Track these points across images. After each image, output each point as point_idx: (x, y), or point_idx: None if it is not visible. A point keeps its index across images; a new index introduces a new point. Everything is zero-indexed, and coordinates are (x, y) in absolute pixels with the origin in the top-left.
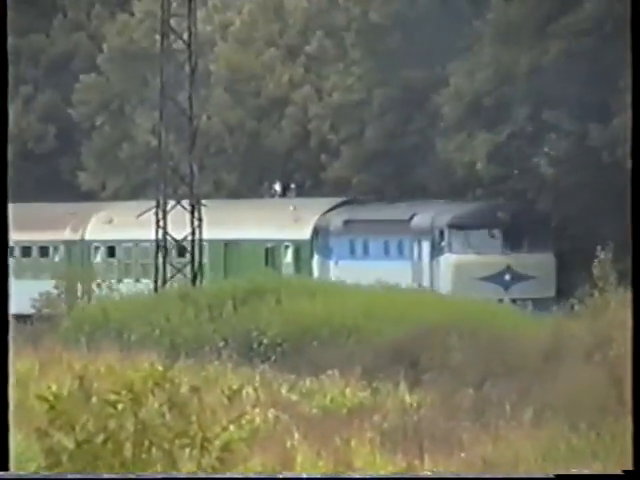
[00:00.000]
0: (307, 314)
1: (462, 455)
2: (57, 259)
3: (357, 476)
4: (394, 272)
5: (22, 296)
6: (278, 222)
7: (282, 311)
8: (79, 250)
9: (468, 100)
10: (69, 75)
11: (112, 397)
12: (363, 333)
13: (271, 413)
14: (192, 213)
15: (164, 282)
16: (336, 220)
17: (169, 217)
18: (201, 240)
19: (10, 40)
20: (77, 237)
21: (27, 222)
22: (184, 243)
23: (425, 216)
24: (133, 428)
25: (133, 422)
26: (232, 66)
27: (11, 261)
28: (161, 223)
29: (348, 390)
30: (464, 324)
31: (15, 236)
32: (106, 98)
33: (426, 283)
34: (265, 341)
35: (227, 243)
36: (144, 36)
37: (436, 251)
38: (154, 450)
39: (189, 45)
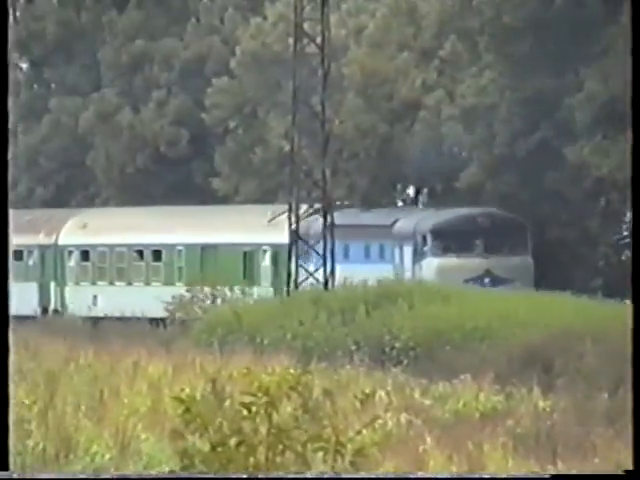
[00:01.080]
0: (440, 318)
1: (595, 461)
2: (31, 263)
3: (362, 476)
4: (375, 275)
5: None
6: (256, 227)
7: (414, 315)
8: (52, 254)
9: (602, 104)
10: (202, 79)
11: (246, 400)
12: (496, 337)
13: (403, 417)
14: (324, 217)
15: (296, 286)
16: (316, 225)
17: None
18: (333, 244)
19: (143, 44)
20: (51, 242)
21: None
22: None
23: (408, 222)
24: (267, 431)
25: (267, 425)
26: (365, 70)
27: None
28: (294, 227)
29: (481, 395)
30: (598, 328)
31: None
32: (239, 102)
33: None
34: (397, 345)
35: (204, 247)
36: (277, 40)
37: (418, 255)
38: (287, 454)
39: (322, 49)
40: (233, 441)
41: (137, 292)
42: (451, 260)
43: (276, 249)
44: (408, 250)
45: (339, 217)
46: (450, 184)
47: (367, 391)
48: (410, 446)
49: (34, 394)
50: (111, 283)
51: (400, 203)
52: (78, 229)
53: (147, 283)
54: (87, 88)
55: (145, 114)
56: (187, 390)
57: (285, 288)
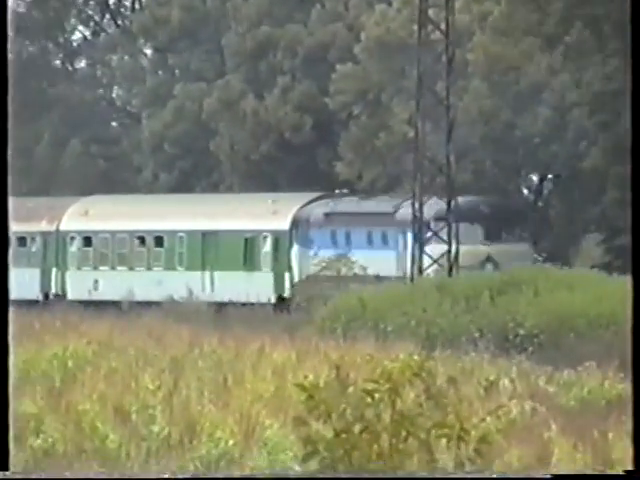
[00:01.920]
0: (564, 305)
1: None
2: (34, 249)
3: (356, 476)
4: (377, 261)
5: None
6: (256, 214)
7: (539, 302)
8: (54, 240)
9: None
10: (326, 65)
11: (369, 386)
12: (621, 324)
13: (528, 405)
14: (448, 204)
15: (420, 272)
16: (317, 212)
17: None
18: (457, 230)
19: (268, 30)
20: (53, 228)
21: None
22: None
23: (410, 209)
24: (390, 418)
25: (390, 412)
26: (490, 56)
27: None
28: (417, 213)
29: (606, 382)
30: None
31: None
32: (363, 88)
33: (410, 271)
34: (522, 332)
35: (205, 233)
36: (401, 26)
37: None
38: (411, 440)
39: (447, 35)
40: (357, 428)
41: (138, 277)
42: (453, 246)
43: (276, 235)
44: (411, 237)
45: (340, 205)
46: (575, 170)
47: (491, 378)
48: (534, 434)
49: (158, 380)
50: (113, 268)
51: (525, 190)
52: (80, 216)
53: (148, 268)
54: (211, 74)
55: (269, 100)
56: (311, 377)
57: (409, 274)
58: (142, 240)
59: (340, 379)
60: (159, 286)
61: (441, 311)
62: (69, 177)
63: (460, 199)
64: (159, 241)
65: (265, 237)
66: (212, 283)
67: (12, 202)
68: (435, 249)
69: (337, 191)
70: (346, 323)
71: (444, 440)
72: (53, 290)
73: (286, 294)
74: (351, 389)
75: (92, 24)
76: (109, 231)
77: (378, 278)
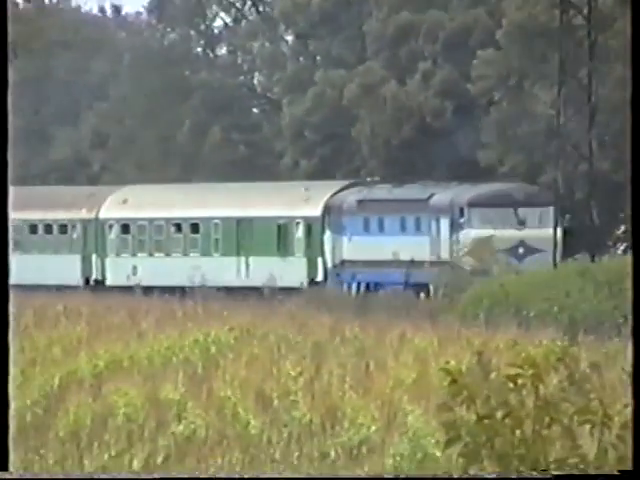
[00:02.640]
0: None
1: None
2: (75, 236)
3: (357, 476)
4: (411, 247)
5: (50, 269)
6: (289, 201)
7: None
8: (94, 227)
9: None
10: (467, 50)
11: (512, 372)
12: None
13: None
14: (589, 193)
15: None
16: (349, 199)
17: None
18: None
19: (409, 16)
20: (92, 216)
21: (50, 203)
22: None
23: (444, 195)
24: (533, 404)
25: (533, 398)
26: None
27: (35, 237)
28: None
29: None
30: None
31: (39, 215)
32: (504, 73)
33: (445, 256)
34: None
35: (239, 220)
36: (543, 11)
37: (455, 227)
38: (554, 427)
39: (589, 20)
40: (499, 413)
41: (175, 263)
42: (488, 231)
43: (309, 222)
44: (445, 222)
45: (372, 193)
46: None
47: None
48: None
49: (300, 366)
50: (150, 254)
51: None
52: (118, 204)
53: (185, 254)
54: (352, 60)
55: (410, 86)
56: (452, 362)
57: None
58: (178, 227)
59: (482, 365)
60: (196, 271)
61: (584, 296)
62: (210, 163)
63: (493, 185)
64: (195, 228)
65: (298, 223)
66: (247, 268)
67: (54, 190)
68: (469, 234)
69: (369, 179)
70: (488, 309)
71: (587, 426)
72: (94, 276)
73: (319, 278)
74: (494, 375)
75: (233, 11)
76: (146, 219)
77: (414, 263)
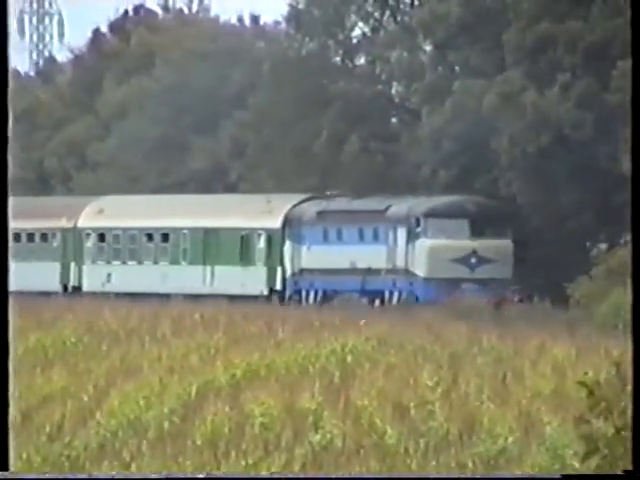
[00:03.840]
0: None
1: None
2: (55, 244)
3: (357, 476)
4: (368, 255)
5: (28, 276)
6: (253, 213)
7: None
8: (72, 236)
9: None
10: (607, 61)
11: None
12: None
13: None
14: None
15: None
16: (309, 211)
17: None
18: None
19: (548, 26)
20: (71, 225)
21: (32, 212)
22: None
23: (401, 207)
24: None
25: None
26: None
27: (18, 245)
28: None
29: None
30: None
31: (21, 224)
32: None
33: (400, 264)
34: None
35: (206, 230)
36: None
37: (412, 237)
38: None
39: None
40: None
41: (146, 270)
42: (442, 241)
43: (270, 233)
44: (402, 232)
45: (332, 204)
46: None
47: None
48: None
49: (437, 376)
50: (124, 262)
51: None
52: (95, 214)
53: (155, 262)
54: (491, 70)
55: (549, 96)
56: (590, 374)
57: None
58: (150, 237)
59: (620, 376)
60: (164, 279)
61: None
62: (347, 173)
63: (447, 198)
64: (165, 237)
65: (259, 234)
66: (212, 277)
67: (36, 201)
68: (424, 243)
69: (328, 193)
70: (628, 319)
71: None
72: (72, 282)
73: (277, 287)
74: (630, 386)
75: (372, 21)
76: (121, 228)
77: (370, 271)
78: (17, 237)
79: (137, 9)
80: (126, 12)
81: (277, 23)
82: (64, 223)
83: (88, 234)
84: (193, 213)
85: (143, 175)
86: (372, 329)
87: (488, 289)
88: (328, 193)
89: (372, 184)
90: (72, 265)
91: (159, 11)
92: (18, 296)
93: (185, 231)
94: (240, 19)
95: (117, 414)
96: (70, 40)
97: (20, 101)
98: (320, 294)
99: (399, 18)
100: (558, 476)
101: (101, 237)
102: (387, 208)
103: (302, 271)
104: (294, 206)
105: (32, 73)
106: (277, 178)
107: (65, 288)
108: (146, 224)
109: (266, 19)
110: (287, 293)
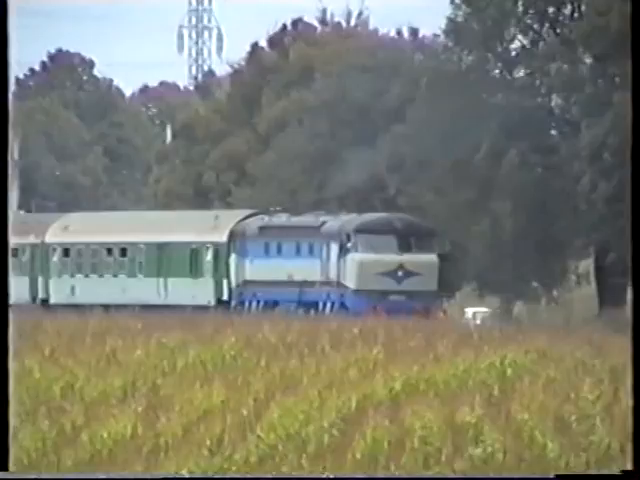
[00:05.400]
0: None
1: None
2: (24, 259)
3: (357, 476)
4: (304, 268)
5: None
6: (202, 228)
7: None
8: (40, 251)
9: None
10: None
11: None
12: None
13: None
14: None
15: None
16: (252, 226)
17: None
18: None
19: None
20: (39, 240)
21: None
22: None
23: (334, 223)
24: None
25: None
26: None
27: None
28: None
29: None
30: None
31: None
32: None
33: (333, 277)
34: None
35: (160, 245)
36: None
37: (343, 251)
38: None
39: None
40: None
41: (106, 283)
42: (370, 256)
43: (217, 247)
44: (334, 247)
45: (272, 220)
46: None
47: None
48: None
49: (598, 389)
50: (86, 276)
51: None
52: (61, 230)
53: (115, 275)
54: None
55: None
56: None
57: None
58: (109, 251)
59: None
60: (123, 292)
61: None
62: (506, 186)
63: (376, 215)
64: (123, 252)
65: (207, 248)
66: (166, 289)
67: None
68: (354, 257)
69: (271, 209)
70: None
71: None
72: (40, 295)
73: (224, 297)
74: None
75: (531, 33)
76: (84, 243)
77: (306, 283)
78: None
79: (295, 23)
80: (284, 26)
81: (436, 36)
82: (32, 239)
83: (54, 249)
84: (149, 228)
85: (301, 189)
86: (531, 342)
87: (414, 300)
88: (271, 209)
89: (531, 197)
90: (40, 279)
91: (317, 25)
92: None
93: (141, 245)
94: (399, 32)
95: (277, 428)
96: (228, 54)
97: (179, 115)
98: (261, 304)
99: (559, 30)
100: (552, 476)
101: (65, 252)
102: (322, 224)
103: (245, 282)
104: (239, 221)
105: (191, 87)
106: (436, 191)
107: (34, 300)
108: (106, 239)
109: (425, 32)
110: (232, 303)
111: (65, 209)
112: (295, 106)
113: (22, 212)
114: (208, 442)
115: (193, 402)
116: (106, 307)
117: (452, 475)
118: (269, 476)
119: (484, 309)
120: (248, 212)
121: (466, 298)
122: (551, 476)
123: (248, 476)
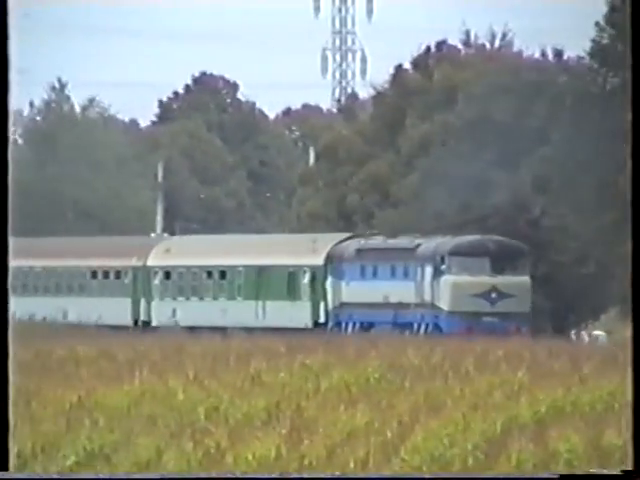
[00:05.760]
0: None
1: None
2: (126, 281)
3: (356, 476)
4: (399, 290)
5: (107, 310)
6: (299, 252)
7: None
8: (142, 274)
9: None
10: None
11: None
12: None
13: None
14: None
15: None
16: (349, 249)
17: None
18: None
19: None
20: (141, 263)
21: (106, 251)
22: None
23: (429, 245)
24: None
25: None
26: None
27: (95, 282)
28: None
29: None
30: None
31: (98, 262)
32: None
33: (427, 299)
34: None
35: (259, 268)
36: None
37: (437, 273)
38: None
39: None
40: None
41: (206, 305)
42: (464, 278)
43: (314, 270)
44: (429, 269)
45: (369, 243)
46: None
47: None
48: None
49: None
50: (187, 298)
51: None
52: (162, 253)
53: (215, 298)
54: None
55: None
56: None
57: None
58: (209, 274)
59: None
60: (223, 314)
61: None
62: None
63: (469, 237)
64: (223, 275)
65: (305, 271)
66: (264, 311)
67: (111, 240)
68: (448, 280)
69: (368, 232)
70: None
71: None
72: (141, 317)
73: (321, 319)
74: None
75: None
76: (184, 266)
77: (401, 305)
78: (94, 274)
79: (439, 45)
80: (428, 48)
81: (580, 58)
82: (135, 261)
83: (156, 272)
84: (248, 252)
85: (445, 211)
86: None
87: (508, 322)
88: (367, 232)
89: None
90: (142, 301)
91: (461, 47)
92: (90, 329)
93: (240, 268)
94: (543, 54)
95: (421, 450)
96: (372, 77)
97: (322, 138)
98: (357, 326)
99: None
100: (556, 476)
101: (167, 275)
102: (417, 246)
103: (342, 304)
104: (336, 244)
105: (334, 110)
106: (580, 212)
107: (135, 322)
108: (206, 262)
109: (570, 54)
110: (329, 325)
111: (209, 231)
112: (439, 128)
113: (165, 234)
114: (352, 464)
115: (337, 424)
116: (212, 329)
117: (452, 475)
118: (270, 476)
119: (602, 332)
120: (345, 235)
121: (608, 321)
122: (555, 475)
123: (249, 476)
